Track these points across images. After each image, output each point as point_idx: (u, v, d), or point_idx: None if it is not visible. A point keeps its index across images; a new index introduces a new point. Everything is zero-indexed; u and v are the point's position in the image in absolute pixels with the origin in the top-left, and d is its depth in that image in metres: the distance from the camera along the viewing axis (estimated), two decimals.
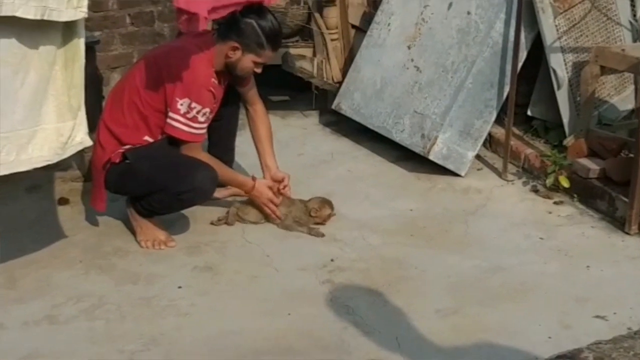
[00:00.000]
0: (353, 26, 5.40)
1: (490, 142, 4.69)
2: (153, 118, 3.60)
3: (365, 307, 3.15)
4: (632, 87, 4.61)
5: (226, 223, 3.84)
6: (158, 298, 3.22)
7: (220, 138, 4.01)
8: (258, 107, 3.99)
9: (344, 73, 5.11)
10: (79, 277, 3.39)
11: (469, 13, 4.45)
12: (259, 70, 3.73)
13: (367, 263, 3.51)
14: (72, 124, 3.05)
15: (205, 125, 3.59)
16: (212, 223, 3.84)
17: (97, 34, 5.16)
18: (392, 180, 4.41)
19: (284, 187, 3.90)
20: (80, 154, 3.65)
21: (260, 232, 3.78)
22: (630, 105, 4.62)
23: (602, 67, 4.17)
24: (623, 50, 4.13)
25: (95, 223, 3.85)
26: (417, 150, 4.42)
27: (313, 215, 3.84)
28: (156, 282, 3.35)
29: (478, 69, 4.36)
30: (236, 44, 3.57)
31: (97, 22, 5.29)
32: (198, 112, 3.52)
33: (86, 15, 2.92)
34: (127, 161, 3.57)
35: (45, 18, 2.77)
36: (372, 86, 4.76)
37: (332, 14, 5.26)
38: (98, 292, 3.26)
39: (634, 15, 4.57)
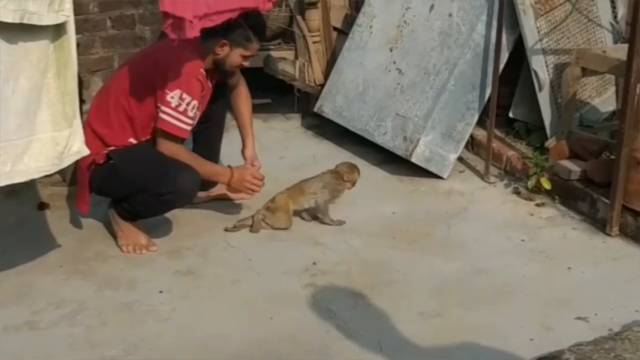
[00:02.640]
0: (335, 29, 5.39)
1: (472, 144, 4.69)
2: (139, 119, 3.59)
3: (348, 310, 3.14)
4: (613, 88, 4.64)
5: (251, 230, 3.80)
6: (139, 303, 3.20)
7: (206, 140, 3.99)
8: (241, 89, 4.02)
9: (326, 76, 5.11)
10: (59, 283, 3.36)
11: (450, 15, 4.46)
12: (246, 64, 3.74)
13: (350, 266, 3.51)
14: (68, 132, 3.02)
15: (193, 122, 3.56)
16: (226, 229, 3.81)
17: (77, 37, 5.12)
18: (374, 183, 4.40)
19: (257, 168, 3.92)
20: None
21: (242, 236, 3.76)
22: (611, 106, 4.65)
23: (583, 69, 4.18)
24: (604, 51, 4.15)
25: (76, 228, 3.83)
26: (400, 152, 4.42)
27: (346, 180, 3.93)
28: (137, 287, 3.33)
29: (460, 71, 4.37)
30: (224, 40, 3.57)
31: (78, 25, 5.14)
32: (188, 105, 3.49)
33: (68, 19, 2.89)
34: (111, 162, 3.56)
35: (25, 22, 2.74)
36: (355, 89, 4.76)
37: (314, 16, 5.25)
38: (79, 297, 3.24)
39: (615, 17, 4.59)
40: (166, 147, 3.55)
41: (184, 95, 3.49)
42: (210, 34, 3.48)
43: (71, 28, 2.93)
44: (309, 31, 5.26)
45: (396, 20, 4.69)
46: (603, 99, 4.67)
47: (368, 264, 3.53)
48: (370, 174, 4.50)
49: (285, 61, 5.20)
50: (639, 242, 3.63)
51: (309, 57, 5.25)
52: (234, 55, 3.63)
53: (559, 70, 4.38)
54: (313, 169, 4.48)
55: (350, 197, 4.15)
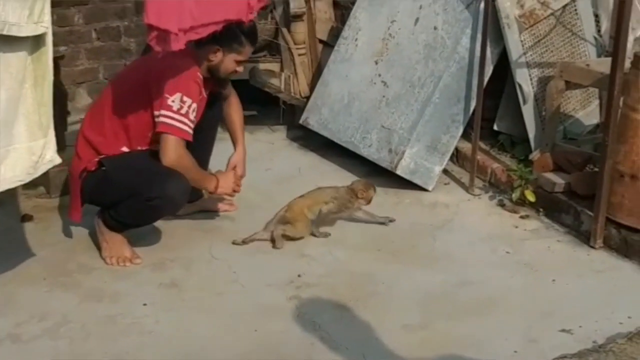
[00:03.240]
0: (320, 41, 5.42)
1: (457, 156, 4.71)
2: (134, 128, 3.58)
3: (333, 322, 3.13)
4: (597, 101, 4.67)
5: (274, 247, 3.78)
6: (122, 316, 3.18)
7: (194, 149, 3.97)
8: (232, 99, 4.03)
9: (312, 88, 5.12)
10: (42, 295, 3.34)
11: (435, 28, 4.48)
12: (241, 69, 3.75)
13: (335, 278, 3.50)
14: (43, 142, 3.02)
15: (193, 125, 3.53)
16: (234, 242, 3.80)
17: (62, 48, 5.13)
18: None
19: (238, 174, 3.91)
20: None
21: (227, 248, 3.75)
22: (595, 119, 4.67)
23: (567, 82, 4.21)
24: (588, 65, 4.17)
25: (59, 240, 3.81)
26: (385, 165, 4.42)
27: (360, 197, 3.94)
28: (121, 299, 3.31)
29: (445, 84, 4.38)
30: (216, 47, 3.57)
31: (63, 37, 5.26)
32: (190, 107, 3.48)
33: (47, 30, 2.88)
34: (103, 168, 3.55)
35: (5, 33, 2.74)
36: (340, 101, 4.77)
37: (300, 29, 5.27)
38: (62, 310, 3.22)
39: (599, 31, 4.62)
40: (171, 151, 3.47)
41: (185, 98, 3.47)
42: (203, 42, 3.48)
43: (49, 39, 2.92)
44: (295, 43, 5.28)
45: (381, 33, 4.71)
46: (587, 111, 4.69)
47: (353, 276, 3.52)
48: None
49: (271, 73, 5.22)
50: (623, 255, 3.64)
51: (295, 70, 5.27)
52: (227, 61, 3.64)
53: (543, 83, 4.41)
54: (298, 180, 4.50)
55: None
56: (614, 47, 3.54)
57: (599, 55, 4.60)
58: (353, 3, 5.01)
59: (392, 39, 4.66)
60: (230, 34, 3.53)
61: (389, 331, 3.07)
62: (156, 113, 3.49)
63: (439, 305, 3.29)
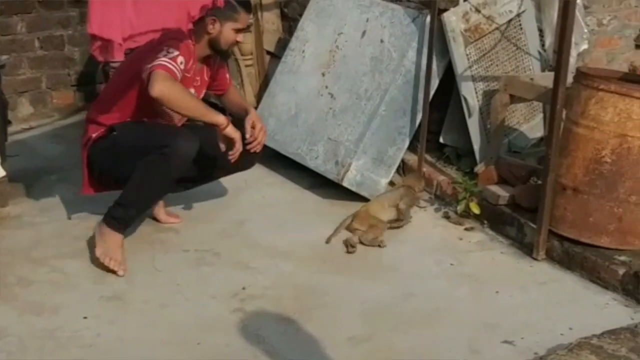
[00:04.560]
0: (268, 52, 5.41)
1: (403, 168, 4.72)
2: (138, 101, 3.59)
3: (277, 335, 3.11)
4: (541, 115, 4.73)
5: (349, 252, 3.87)
6: (62, 329, 3.11)
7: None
8: (230, 88, 4.10)
9: (259, 99, 5.10)
10: None
11: (382, 41, 4.50)
12: (241, 38, 3.78)
13: (280, 291, 3.48)
14: None
15: (180, 72, 3.46)
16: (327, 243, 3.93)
17: (4, 57, 5.04)
18: (306, 207, 4.39)
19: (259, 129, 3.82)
20: None
21: (170, 260, 3.70)
22: (539, 133, 4.73)
23: (512, 96, 4.26)
24: (532, 79, 4.23)
25: None
26: (331, 177, 4.42)
27: (418, 191, 4.24)
28: (60, 312, 3.24)
29: (391, 97, 4.40)
30: (212, 17, 3.60)
31: (5, 46, 5.18)
32: (176, 57, 3.45)
33: None
34: (114, 133, 3.60)
35: None
36: (287, 112, 4.76)
37: (247, 40, 5.25)
38: (0, 323, 3.13)
39: (543, 46, 4.69)
40: (158, 81, 3.35)
41: (171, 49, 3.47)
42: (199, 18, 3.58)
43: None
44: (242, 54, 5.25)
45: (329, 45, 4.71)
46: (531, 125, 4.76)
47: (298, 289, 3.50)
48: (301, 197, 4.50)
49: None
50: (565, 267, 3.69)
51: (242, 81, 5.25)
52: (226, 31, 3.66)
53: (488, 96, 4.45)
54: (245, 193, 4.47)
55: (281, 221, 4.13)
56: (557, 61, 3.59)
57: (543, 70, 4.66)
58: (301, 15, 5.02)
59: (339, 51, 4.67)
60: (224, 3, 3.60)
61: (334, 343, 3.05)
62: (145, 67, 3.44)
63: (384, 317, 3.28)
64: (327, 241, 3.93)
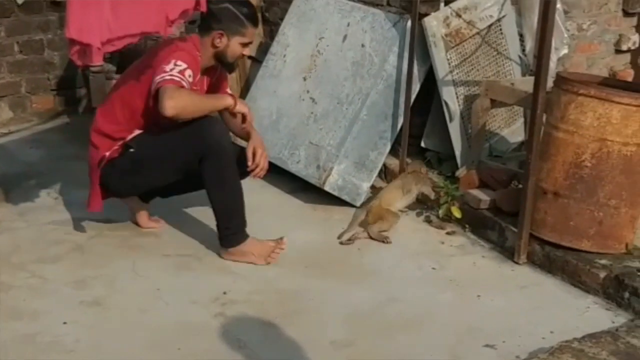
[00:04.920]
0: (249, 57, 5.39)
1: (385, 173, 4.72)
2: (145, 110, 3.60)
3: (259, 340, 3.09)
4: (522, 119, 4.75)
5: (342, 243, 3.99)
6: (42, 335, 3.08)
7: None
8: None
9: None
10: None
11: (363, 46, 4.50)
12: (247, 52, 3.79)
13: (262, 295, 3.46)
14: None
15: (189, 85, 3.47)
16: (341, 243, 3.98)
17: None
18: (288, 211, 4.38)
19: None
20: None
21: (151, 265, 3.68)
22: (519, 137, 4.75)
23: (493, 100, 4.27)
24: (512, 84, 4.25)
25: None
26: (313, 181, 4.41)
27: (424, 173, 4.32)
28: (40, 318, 3.21)
29: (372, 101, 4.40)
30: (220, 31, 3.60)
31: None
32: (184, 70, 3.45)
33: None
34: (131, 150, 3.59)
35: None
36: (268, 117, 4.75)
37: None
38: None
39: (523, 50, 4.70)
40: (167, 97, 3.35)
41: (179, 62, 3.47)
42: (205, 29, 3.59)
43: None
44: None
45: (310, 50, 4.71)
46: (512, 129, 4.77)
47: (280, 293, 3.49)
48: (283, 202, 4.49)
49: None
50: (546, 270, 3.70)
51: None
52: (233, 45, 3.66)
53: (469, 101, 4.46)
54: None
55: (263, 225, 4.11)
56: (537, 66, 3.60)
57: (523, 74, 4.68)
58: (282, 19, 5.02)
59: (320, 55, 4.67)
60: (230, 17, 3.61)
61: (316, 348, 3.05)
62: (154, 79, 3.45)
63: (367, 321, 3.28)
64: (340, 240, 4.00)
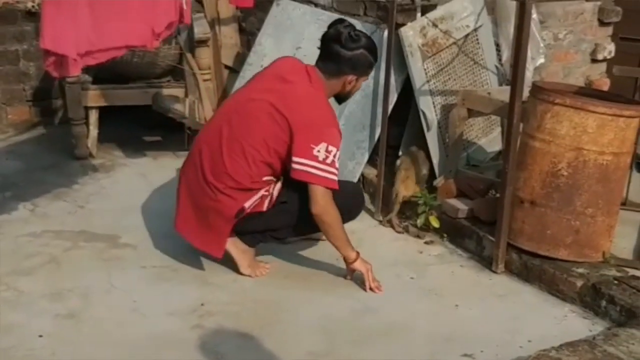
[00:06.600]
0: (226, 67, 5.39)
1: (363, 182, 4.72)
2: (279, 164, 3.57)
3: (236, 352, 3.07)
4: (499, 129, 4.77)
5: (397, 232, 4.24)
6: (15, 348, 3.04)
7: None
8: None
9: None
10: None
11: None
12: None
13: (239, 306, 3.44)
14: None
15: (337, 173, 3.50)
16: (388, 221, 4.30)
17: None
18: None
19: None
20: None
21: (127, 277, 3.65)
22: (497, 146, 4.77)
23: (470, 110, 4.29)
24: (489, 93, 4.26)
25: None
26: None
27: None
28: (14, 331, 3.17)
29: (350, 111, 4.40)
30: (354, 77, 3.61)
31: None
32: (335, 157, 3.44)
33: None
34: (284, 201, 3.60)
35: None
36: None
37: (205, 54, 5.23)
38: None
39: (500, 60, 4.73)
40: (321, 200, 3.45)
41: (330, 148, 3.43)
42: (335, 73, 3.55)
43: None
44: (200, 69, 5.23)
45: None
46: (489, 139, 4.79)
47: (258, 304, 3.48)
48: None
49: (175, 99, 5.14)
50: (524, 279, 3.70)
51: (200, 95, 5.21)
52: (359, 84, 3.69)
53: (446, 110, 4.48)
54: None
55: None
56: (513, 76, 3.61)
57: (500, 84, 4.71)
58: (259, 29, 5.02)
59: None
60: (365, 63, 3.61)
61: (294, 359, 3.03)
62: (299, 160, 3.42)
63: (344, 331, 3.27)
64: (388, 220, 4.29)
